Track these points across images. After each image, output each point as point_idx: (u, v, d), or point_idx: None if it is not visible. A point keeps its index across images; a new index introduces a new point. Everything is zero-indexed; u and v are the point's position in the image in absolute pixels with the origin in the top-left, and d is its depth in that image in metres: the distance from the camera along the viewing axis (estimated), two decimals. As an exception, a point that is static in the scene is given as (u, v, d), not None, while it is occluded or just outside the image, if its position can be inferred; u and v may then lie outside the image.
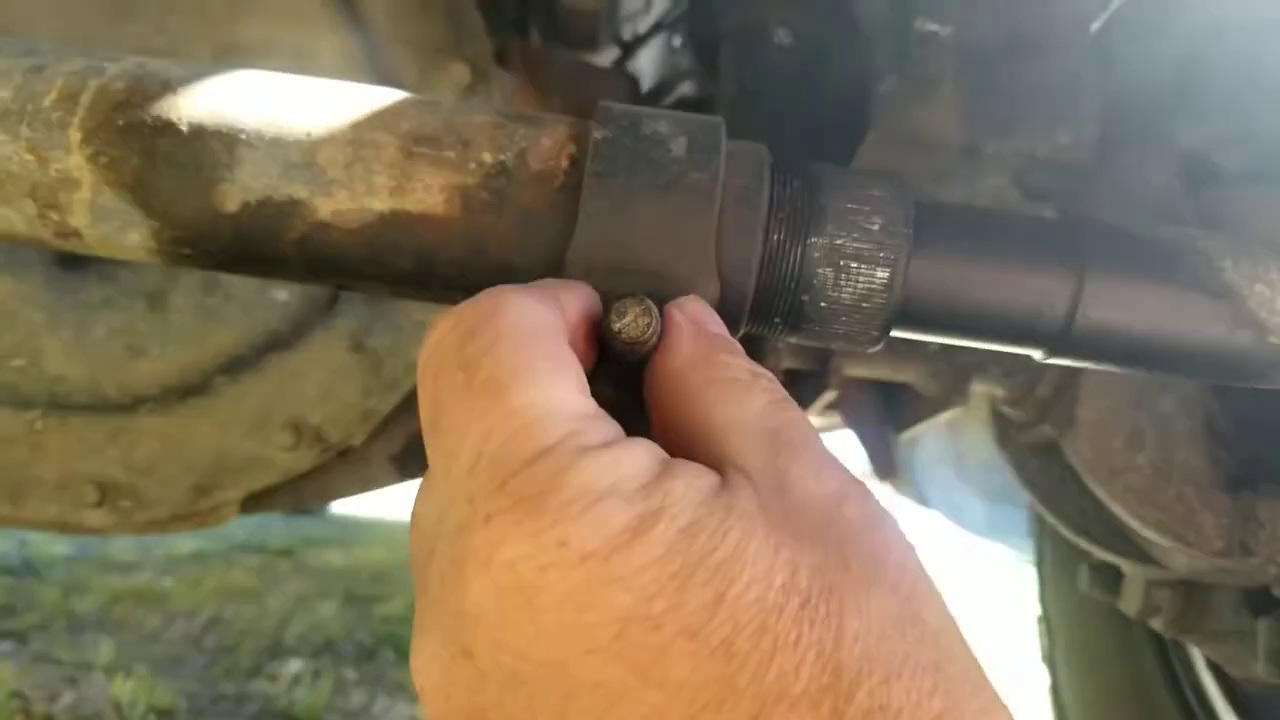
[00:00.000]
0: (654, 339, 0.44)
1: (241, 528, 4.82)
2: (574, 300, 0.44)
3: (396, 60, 0.95)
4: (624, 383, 0.46)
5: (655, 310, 0.44)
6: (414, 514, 0.40)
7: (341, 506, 6.08)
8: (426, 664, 0.36)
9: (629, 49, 1.57)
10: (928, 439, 3.20)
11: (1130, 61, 1.02)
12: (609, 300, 0.45)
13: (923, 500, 3.43)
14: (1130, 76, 1.01)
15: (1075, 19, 0.91)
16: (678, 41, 1.71)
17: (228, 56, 0.95)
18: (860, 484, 0.39)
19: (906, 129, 0.86)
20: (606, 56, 1.54)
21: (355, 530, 5.40)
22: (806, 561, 0.34)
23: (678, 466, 0.36)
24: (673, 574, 0.32)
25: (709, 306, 0.47)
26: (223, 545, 4.37)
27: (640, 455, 0.36)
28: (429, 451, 0.39)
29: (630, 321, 0.44)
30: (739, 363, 0.43)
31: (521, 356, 0.38)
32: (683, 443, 0.40)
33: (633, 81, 1.35)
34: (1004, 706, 0.34)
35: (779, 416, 0.40)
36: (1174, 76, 1.03)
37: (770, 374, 0.43)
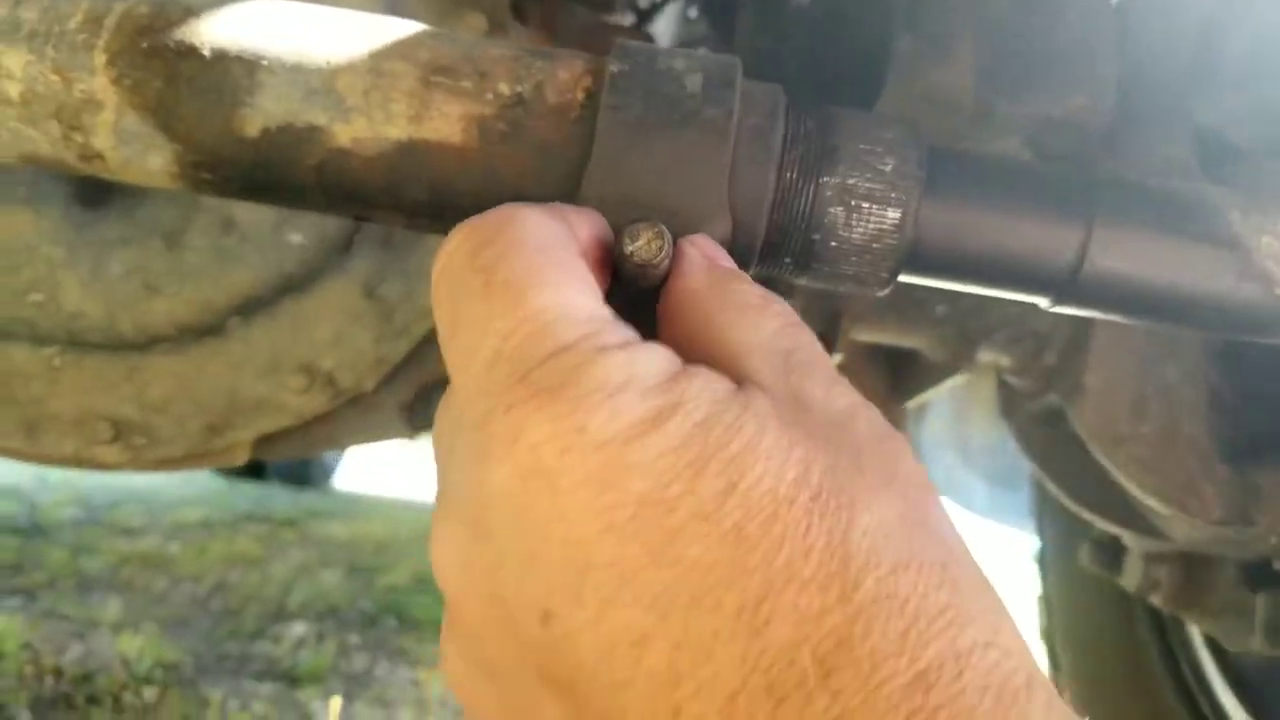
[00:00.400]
0: (665, 263, 0.45)
1: (246, 498, 4.85)
2: (585, 224, 0.45)
3: (414, 8, 0.95)
4: (635, 310, 0.47)
5: (668, 234, 0.45)
6: (435, 422, 0.41)
7: (345, 482, 6.13)
8: (444, 546, 0.37)
9: (645, 15, 1.57)
10: (933, 422, 3.21)
11: (1148, 32, 1.02)
12: (620, 231, 0.46)
13: (927, 483, 3.44)
14: (1148, 48, 1.01)
15: (1094, -16, 0.91)
16: (694, 12, 1.71)
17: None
18: (871, 405, 0.40)
19: (922, 89, 0.87)
20: (623, 21, 1.53)
21: (358, 505, 5.43)
22: (820, 460, 0.34)
23: (694, 369, 0.37)
24: (688, 463, 0.33)
25: (719, 245, 0.48)
26: (228, 514, 4.41)
27: (657, 356, 0.37)
28: (446, 357, 0.40)
29: (643, 244, 0.44)
30: (752, 288, 0.43)
31: (537, 262, 0.39)
32: (697, 361, 0.40)
33: (650, 41, 1.35)
34: (1007, 608, 0.35)
35: (793, 338, 0.41)
36: (1192, 50, 1.03)
37: (783, 300, 0.44)
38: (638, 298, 0.46)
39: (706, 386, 0.36)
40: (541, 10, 1.11)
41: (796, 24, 1.04)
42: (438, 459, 0.40)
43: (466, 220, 0.42)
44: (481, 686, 0.38)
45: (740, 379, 0.38)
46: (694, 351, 0.42)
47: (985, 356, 1.17)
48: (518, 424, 0.34)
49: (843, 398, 0.39)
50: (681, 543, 0.32)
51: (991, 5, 0.86)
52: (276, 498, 5.10)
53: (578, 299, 0.38)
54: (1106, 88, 0.88)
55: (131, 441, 0.99)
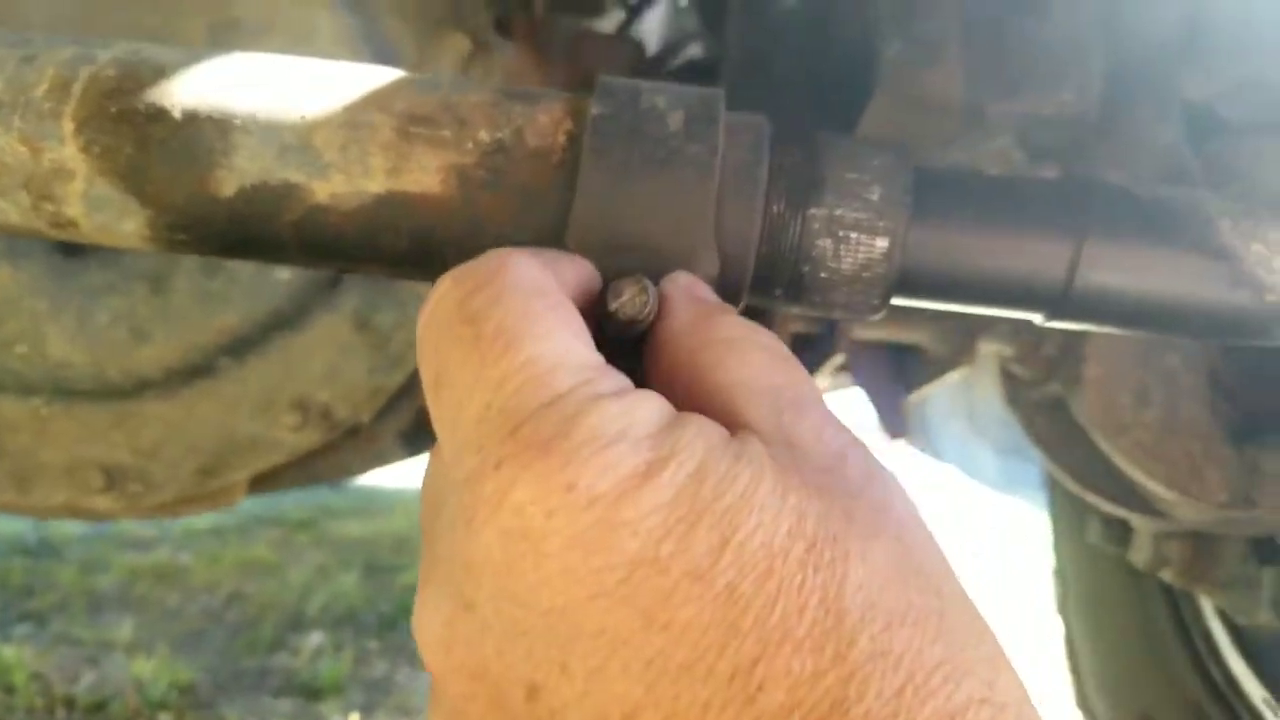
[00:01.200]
0: (650, 317, 0.44)
1: (258, 501, 4.82)
2: (571, 271, 0.44)
3: (395, 33, 0.94)
4: (620, 362, 0.46)
5: (652, 288, 0.44)
6: (423, 480, 0.41)
7: (360, 476, 6.08)
8: (428, 618, 0.36)
9: (635, 11, 1.55)
10: (941, 394, 3.20)
11: (1136, 16, 1.01)
12: (608, 277, 0.45)
13: (937, 454, 3.44)
14: (1136, 31, 1.00)
15: (1078, -27, 0.90)
16: (684, 1, 1.70)
17: (223, 34, 0.94)
18: (861, 442, 0.39)
19: (912, 91, 0.86)
20: (611, 21, 1.52)
21: (374, 500, 5.42)
22: (813, 509, 0.34)
23: (688, 416, 0.36)
24: (680, 517, 0.32)
25: (700, 280, 0.47)
26: (241, 519, 4.40)
27: (652, 404, 0.36)
28: (433, 411, 0.39)
29: (627, 300, 0.44)
30: (734, 321, 0.43)
31: (530, 309, 0.38)
32: (686, 406, 0.40)
33: (637, 47, 1.34)
34: (1007, 657, 0.34)
35: (781, 374, 0.40)
36: (1181, 29, 1.02)
37: (768, 330, 0.43)
38: (623, 349, 0.46)
39: (700, 434, 0.35)
40: (526, 23, 1.10)
41: (785, 26, 1.03)
42: (424, 521, 0.39)
43: (454, 269, 0.41)
44: None
45: (732, 423, 0.38)
46: (681, 393, 0.41)
47: (986, 348, 1.17)
48: (505, 483, 0.33)
49: (835, 439, 0.38)
50: (674, 604, 0.31)
51: (978, 5, 0.85)
52: (290, 497, 5.07)
53: (572, 346, 0.37)
54: (1094, 80, 0.87)
55: (125, 489, 0.99)
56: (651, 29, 1.67)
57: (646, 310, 0.44)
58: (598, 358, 0.38)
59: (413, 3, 0.95)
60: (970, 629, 0.34)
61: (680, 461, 0.33)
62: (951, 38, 0.84)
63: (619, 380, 0.37)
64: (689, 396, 0.40)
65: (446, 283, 0.40)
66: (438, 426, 0.39)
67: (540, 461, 0.33)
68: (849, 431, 0.39)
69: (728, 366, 0.40)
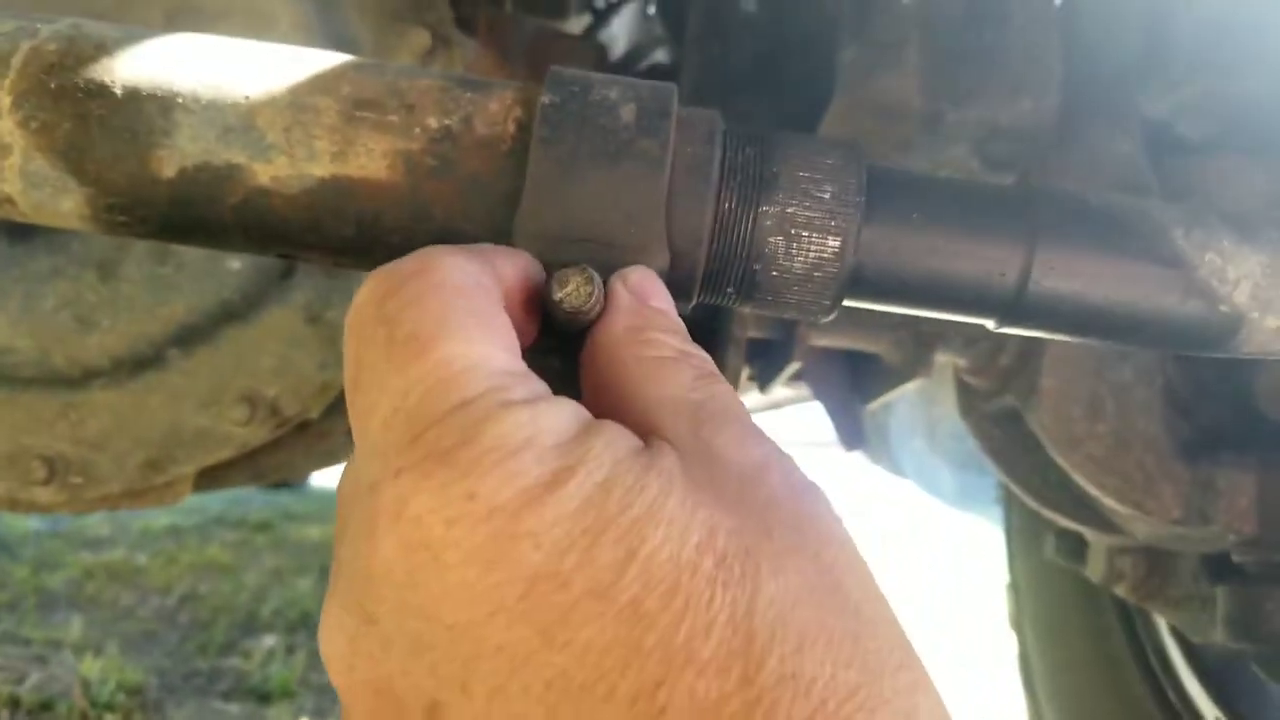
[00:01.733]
0: (596, 308, 0.44)
1: (219, 501, 4.78)
2: (511, 266, 0.43)
3: (354, 25, 0.93)
4: (567, 354, 0.45)
5: (598, 279, 0.44)
6: (338, 486, 0.39)
7: (322, 480, 6.06)
8: (332, 634, 0.35)
9: (602, 16, 1.55)
10: (901, 409, 3.22)
11: (1095, 30, 1.02)
12: (555, 269, 0.45)
13: (896, 469, 3.46)
14: (1096, 46, 1.01)
15: (1039, -16, 0.91)
16: (651, 9, 1.70)
17: (180, 18, 0.93)
18: (786, 455, 0.38)
19: (870, 96, 0.86)
20: (578, 24, 1.52)
21: (334, 503, 5.34)
22: (725, 524, 0.32)
23: (600, 425, 0.35)
24: (585, 529, 0.31)
25: (654, 276, 0.46)
26: (199, 520, 4.35)
27: (562, 412, 0.35)
28: (350, 414, 0.38)
29: (572, 291, 0.43)
30: (670, 340, 0.42)
31: (447, 312, 0.36)
32: (609, 416, 0.39)
33: (600, 49, 1.33)
34: (931, 685, 0.33)
35: (704, 390, 0.39)
36: (1139, 44, 1.03)
37: (703, 352, 0.42)
38: (570, 342, 0.45)
39: (610, 444, 0.34)
40: (490, 21, 1.10)
41: (744, 30, 1.04)
42: (336, 531, 0.38)
43: (380, 267, 0.40)
44: None
45: (648, 434, 0.37)
46: (607, 404, 0.40)
47: (942, 358, 1.17)
48: (405, 492, 0.32)
49: (756, 449, 0.37)
50: (575, 622, 0.30)
51: (937, 11, 0.86)
52: (251, 500, 5.02)
53: (488, 350, 0.36)
54: (1052, 90, 0.88)
55: (67, 480, 0.96)
56: (618, 34, 1.67)
57: (591, 300, 0.43)
58: (515, 363, 0.37)
59: (373, -6, 0.94)
60: (891, 654, 0.32)
61: (588, 471, 0.32)
62: (910, 43, 0.84)
63: (533, 387, 0.36)
64: (613, 409, 0.40)
65: (370, 283, 0.39)
66: (353, 431, 0.38)
67: (441, 470, 0.32)
68: (772, 443, 0.38)
69: (655, 381, 0.40)
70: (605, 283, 0.45)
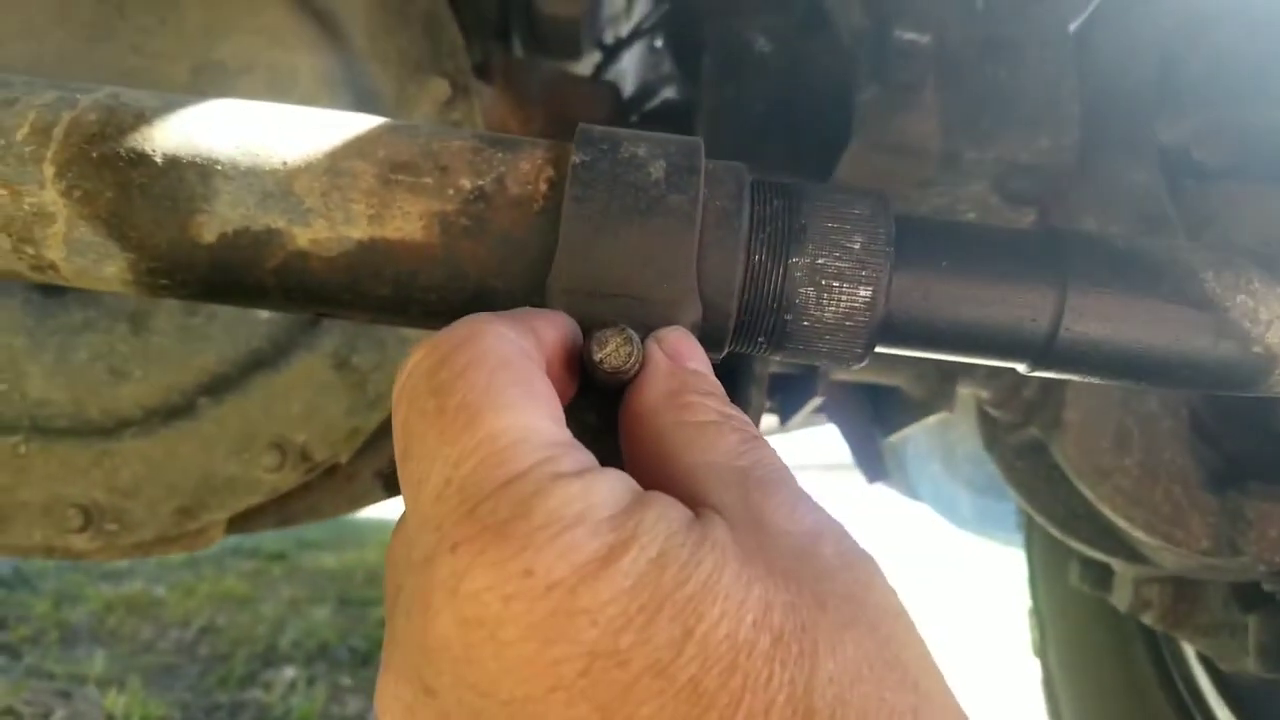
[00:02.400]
0: (635, 367, 0.44)
1: (233, 532, 4.76)
2: (550, 329, 0.44)
3: (375, 77, 0.95)
4: (606, 412, 0.46)
5: (636, 339, 0.44)
6: (388, 550, 0.39)
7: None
8: (389, 703, 0.35)
9: (611, 53, 1.56)
10: (918, 434, 3.20)
11: (1110, 60, 1.02)
12: (590, 326, 0.45)
13: (913, 494, 3.44)
14: (1111, 76, 1.02)
15: (1053, 21, 0.91)
16: (660, 43, 1.71)
17: (205, 76, 0.94)
18: (838, 523, 0.38)
19: (887, 137, 0.86)
20: (588, 64, 1.53)
21: (348, 532, 5.36)
22: (780, 599, 0.32)
23: (651, 497, 0.35)
24: (641, 606, 0.31)
25: (690, 336, 0.47)
26: (215, 551, 4.34)
27: (614, 484, 0.35)
28: (401, 482, 0.38)
29: (612, 351, 0.44)
30: (710, 404, 0.42)
31: (496, 383, 0.37)
32: (654, 484, 0.39)
33: (614, 90, 1.35)
34: None
35: (750, 455, 0.39)
36: (1155, 73, 1.04)
37: (742, 414, 0.43)
38: (610, 399, 0.46)
39: (662, 517, 0.34)
40: (505, 67, 1.11)
41: (759, 71, 1.04)
42: (387, 597, 0.38)
43: (428, 338, 0.40)
44: None
45: (699, 505, 0.37)
46: (651, 470, 0.40)
47: (965, 390, 1.17)
48: (462, 567, 0.32)
49: (807, 518, 0.37)
50: (634, 700, 0.30)
51: (954, 51, 0.86)
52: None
53: (536, 422, 0.36)
54: (1070, 127, 0.88)
55: (102, 528, 0.97)
56: (628, 71, 1.68)
57: (631, 360, 0.44)
58: (563, 433, 0.37)
59: (393, 46, 0.95)
60: None
61: (641, 546, 0.32)
62: (927, 83, 0.85)
63: (582, 458, 0.36)
64: (657, 476, 0.40)
65: (418, 353, 0.39)
66: (404, 499, 0.38)
67: (496, 545, 0.32)
68: (823, 510, 0.38)
69: (699, 447, 0.40)
70: (642, 340, 0.45)
